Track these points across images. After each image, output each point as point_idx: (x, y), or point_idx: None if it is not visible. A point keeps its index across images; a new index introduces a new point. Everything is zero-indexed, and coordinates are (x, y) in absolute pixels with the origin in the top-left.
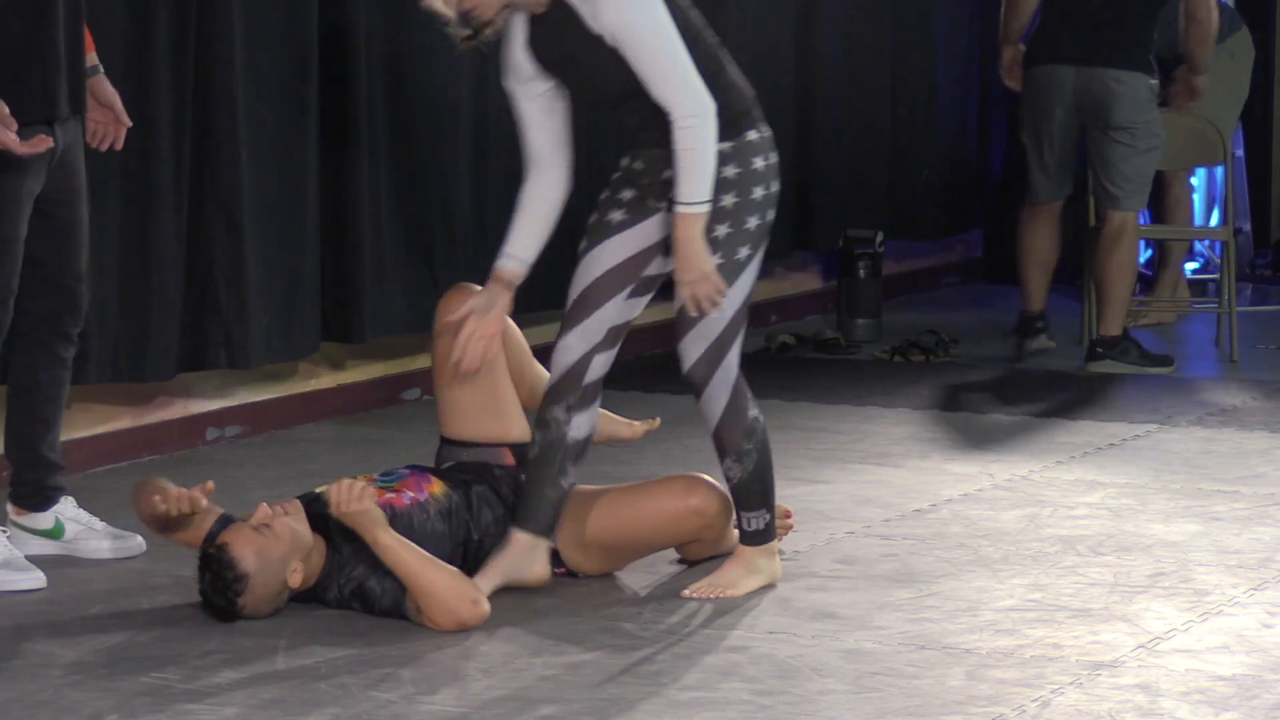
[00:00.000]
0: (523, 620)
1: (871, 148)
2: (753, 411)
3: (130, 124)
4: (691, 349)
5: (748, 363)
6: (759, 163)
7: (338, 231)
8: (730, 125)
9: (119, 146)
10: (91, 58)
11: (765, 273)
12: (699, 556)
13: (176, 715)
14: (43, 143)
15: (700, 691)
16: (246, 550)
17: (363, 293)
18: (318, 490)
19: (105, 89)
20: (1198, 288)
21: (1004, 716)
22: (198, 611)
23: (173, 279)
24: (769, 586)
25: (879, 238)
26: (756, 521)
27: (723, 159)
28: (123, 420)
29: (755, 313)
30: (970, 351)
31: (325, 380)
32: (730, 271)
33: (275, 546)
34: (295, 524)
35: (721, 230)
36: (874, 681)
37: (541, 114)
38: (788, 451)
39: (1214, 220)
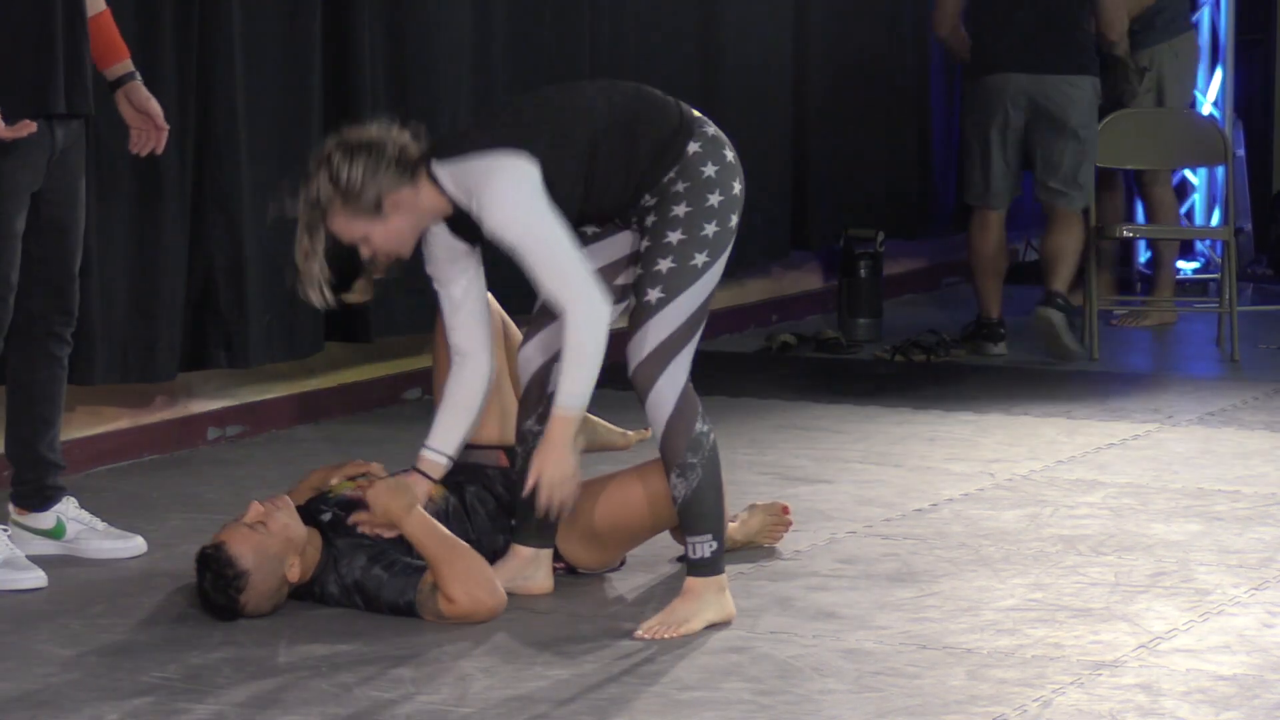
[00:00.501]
0: (524, 620)
1: (868, 146)
2: (702, 425)
3: (167, 128)
4: (638, 350)
5: (749, 363)
6: (708, 169)
7: None
8: (667, 151)
9: (159, 151)
10: (126, 65)
11: (765, 272)
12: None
13: (177, 714)
14: (25, 127)
15: (701, 691)
16: (244, 548)
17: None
18: (331, 494)
19: (140, 94)
20: (1198, 287)
21: (1005, 716)
22: (198, 610)
23: (174, 279)
24: (723, 624)
25: (880, 237)
26: (702, 548)
27: (671, 180)
28: (123, 420)
29: (757, 313)
30: (971, 351)
31: (326, 380)
32: (685, 276)
33: (272, 543)
34: (288, 519)
35: (674, 236)
36: (875, 681)
37: (465, 300)
38: (789, 451)
39: (1215, 220)
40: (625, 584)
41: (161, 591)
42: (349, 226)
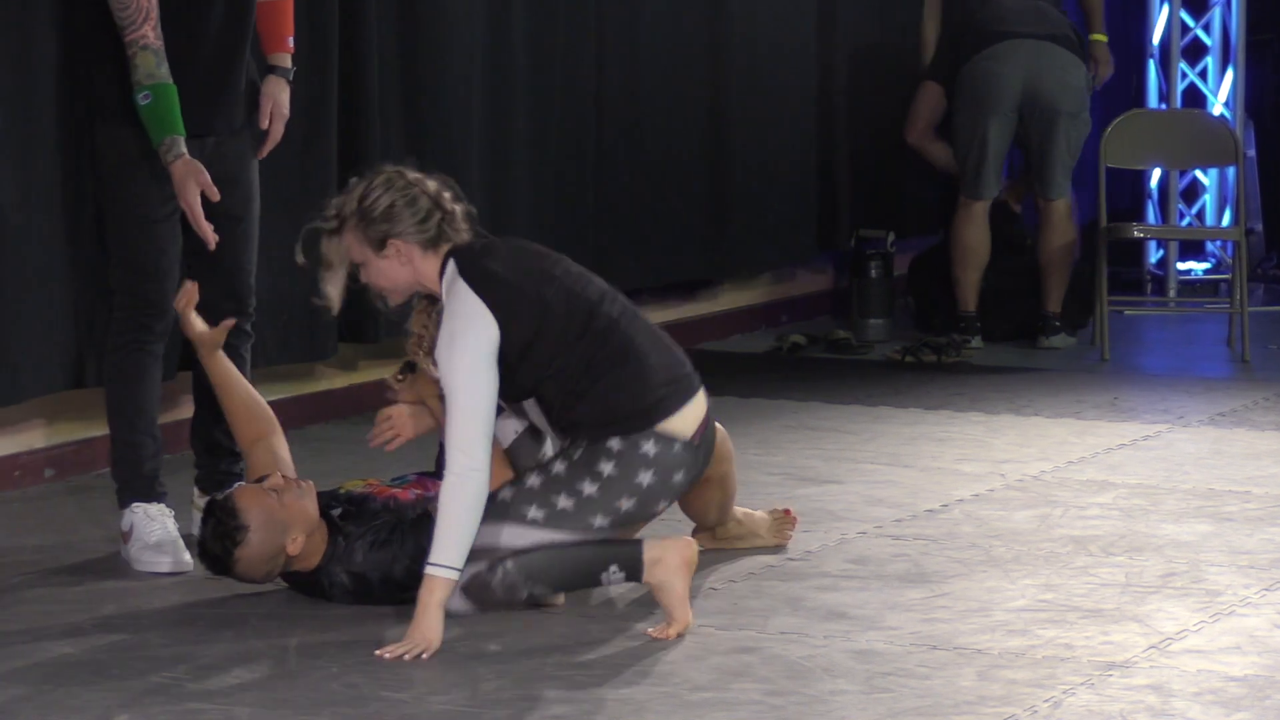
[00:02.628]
0: (535, 621)
1: (883, 147)
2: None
3: (280, 130)
4: (491, 537)
5: (759, 363)
6: (644, 477)
7: None
8: (616, 425)
9: (262, 154)
10: (283, 57)
11: (775, 273)
12: (727, 536)
13: (187, 714)
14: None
15: (711, 692)
16: (253, 505)
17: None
18: (341, 490)
19: (271, 84)
20: (1209, 288)
21: (1016, 717)
22: (209, 611)
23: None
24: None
25: (890, 238)
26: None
27: (608, 451)
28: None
29: (767, 313)
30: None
31: (337, 380)
32: (571, 524)
33: (281, 511)
34: (305, 499)
35: (589, 489)
36: (885, 682)
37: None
38: (799, 452)
39: (1226, 220)
40: (635, 586)
41: (172, 591)
42: (354, 246)
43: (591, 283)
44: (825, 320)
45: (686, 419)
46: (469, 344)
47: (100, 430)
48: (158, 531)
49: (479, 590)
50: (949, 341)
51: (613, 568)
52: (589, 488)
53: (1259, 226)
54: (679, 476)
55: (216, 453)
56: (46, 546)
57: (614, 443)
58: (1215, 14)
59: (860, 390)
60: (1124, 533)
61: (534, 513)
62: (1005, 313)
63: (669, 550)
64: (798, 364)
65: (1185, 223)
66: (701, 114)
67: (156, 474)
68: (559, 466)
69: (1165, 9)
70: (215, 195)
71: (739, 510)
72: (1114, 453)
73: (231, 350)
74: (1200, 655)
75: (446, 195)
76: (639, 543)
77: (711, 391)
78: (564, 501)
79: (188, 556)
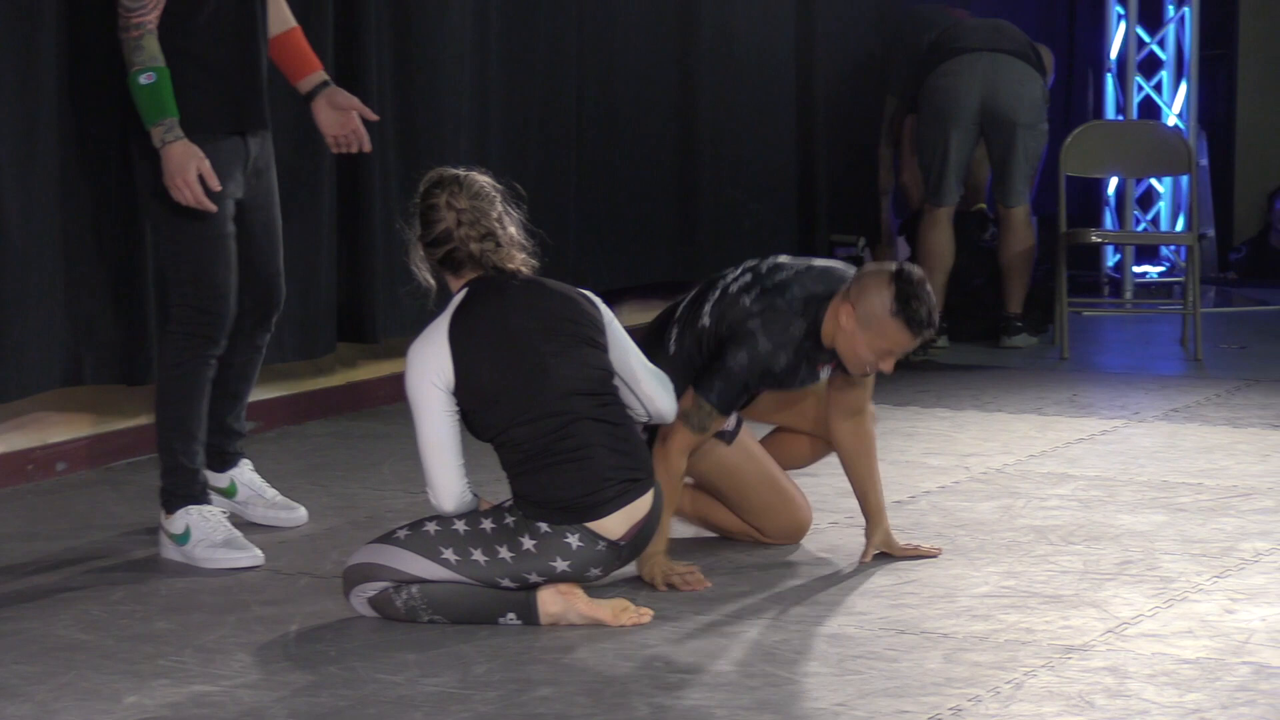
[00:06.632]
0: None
1: (857, 154)
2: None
3: (375, 117)
4: (359, 554)
5: None
6: (560, 564)
7: (352, 234)
8: (549, 513)
9: (367, 148)
10: (320, 74)
11: None
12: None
13: (192, 696)
14: (205, 206)
15: (689, 674)
16: None
17: (375, 294)
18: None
19: (342, 95)
20: (1164, 290)
21: (979, 698)
22: (212, 598)
23: None
24: None
25: (861, 243)
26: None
27: (534, 530)
28: (142, 416)
29: None
30: (947, 349)
31: (336, 378)
32: (482, 571)
33: None
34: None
35: (507, 554)
36: (855, 664)
37: None
38: None
39: (1179, 226)
40: (618, 574)
41: (179, 578)
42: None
43: (578, 365)
44: None
45: (619, 521)
46: (421, 375)
47: (111, 426)
48: (222, 530)
49: (383, 604)
50: None
51: (510, 614)
52: (505, 553)
53: (1211, 232)
54: (594, 571)
55: (225, 433)
56: (58, 536)
57: (543, 526)
58: (1170, 30)
59: None
60: (1082, 522)
61: (449, 555)
62: (970, 314)
63: (552, 588)
64: None
65: (1141, 228)
66: (679, 120)
67: (206, 479)
68: (488, 524)
69: (1122, 25)
70: (215, 182)
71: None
72: (1073, 446)
73: (255, 348)
74: (1155, 639)
75: (484, 230)
76: (533, 591)
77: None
78: (479, 556)
79: (257, 550)
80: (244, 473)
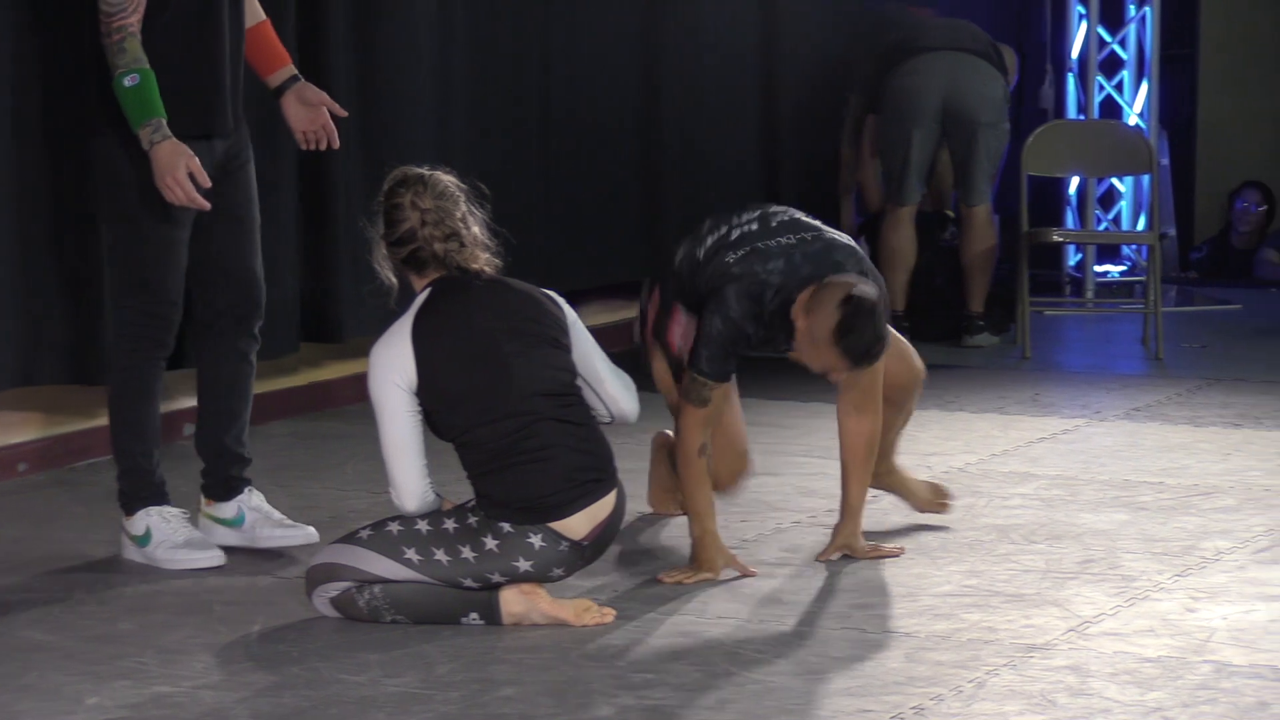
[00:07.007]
0: None
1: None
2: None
3: (345, 113)
4: (323, 555)
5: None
6: (522, 564)
7: (315, 232)
8: (512, 513)
9: (335, 145)
10: (289, 69)
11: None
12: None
13: (153, 697)
14: (199, 203)
15: (653, 673)
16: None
17: (339, 293)
18: None
19: (311, 90)
20: (1125, 289)
21: (941, 696)
22: (174, 599)
23: None
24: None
25: None
26: None
27: (497, 530)
28: (102, 418)
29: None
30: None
31: (299, 378)
32: (444, 571)
33: None
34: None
35: (469, 554)
36: (818, 664)
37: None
38: None
39: (1141, 225)
40: (581, 577)
41: (140, 580)
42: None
43: (541, 366)
44: None
45: (582, 521)
46: (384, 375)
47: (73, 427)
48: (183, 531)
49: (346, 604)
50: None
51: (473, 614)
52: (468, 553)
53: (1172, 231)
54: (557, 571)
55: (227, 459)
56: (20, 538)
57: (505, 526)
58: (1131, 30)
59: (794, 387)
60: (1044, 521)
61: (412, 555)
62: (933, 313)
63: (514, 588)
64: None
65: (1102, 228)
66: (644, 120)
67: (164, 479)
68: (450, 524)
69: (1084, 24)
70: (205, 180)
71: (899, 461)
72: (1035, 446)
73: (241, 357)
74: (1116, 637)
75: (448, 230)
76: (496, 591)
77: (652, 388)
78: (442, 556)
79: (219, 550)
80: (251, 498)
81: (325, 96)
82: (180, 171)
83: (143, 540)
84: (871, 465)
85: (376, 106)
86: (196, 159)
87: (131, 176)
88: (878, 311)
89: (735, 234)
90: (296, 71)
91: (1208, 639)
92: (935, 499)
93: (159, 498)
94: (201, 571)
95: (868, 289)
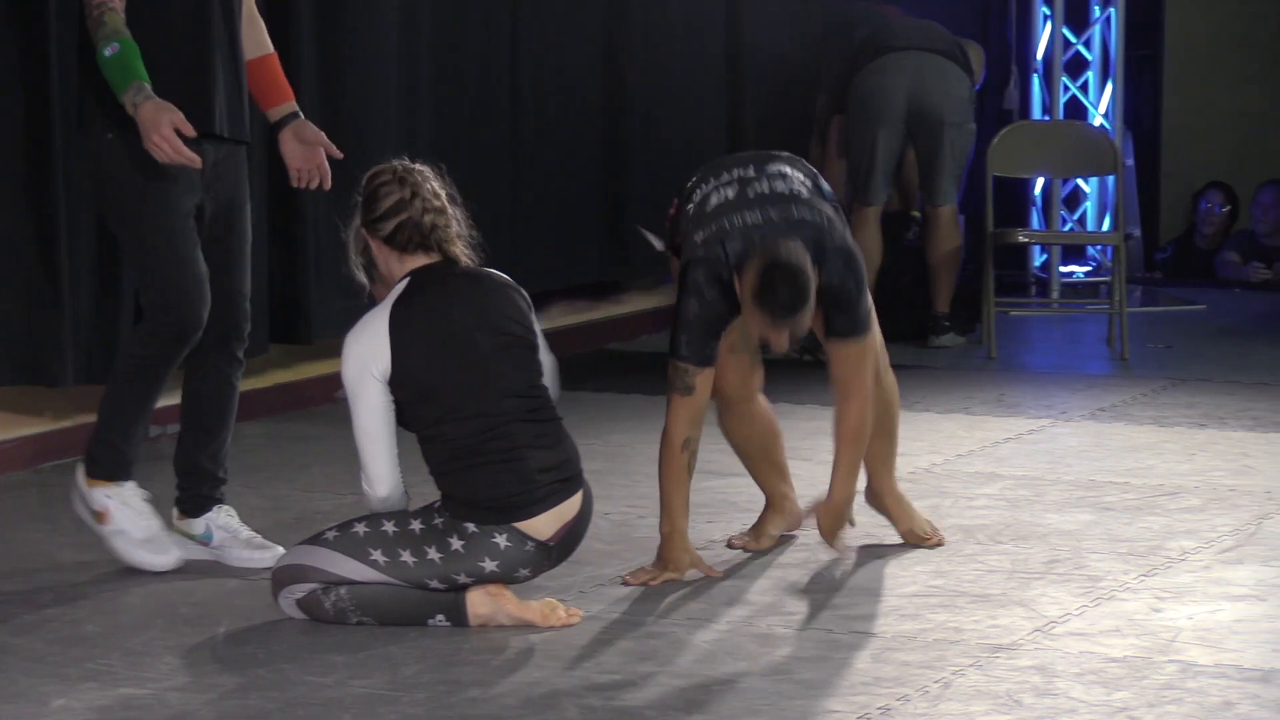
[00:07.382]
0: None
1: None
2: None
3: (340, 155)
4: (290, 557)
5: (664, 364)
6: (488, 564)
7: (285, 234)
8: (478, 513)
9: (327, 186)
10: (291, 105)
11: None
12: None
13: (120, 699)
14: (191, 159)
15: (620, 675)
16: None
17: (309, 295)
18: None
19: (309, 129)
20: (1090, 289)
21: (908, 697)
22: (141, 601)
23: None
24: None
25: None
26: None
27: (462, 530)
28: (66, 420)
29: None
30: None
31: (267, 379)
32: (410, 572)
33: None
34: None
35: (435, 555)
36: (784, 664)
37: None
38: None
39: (1106, 226)
40: (549, 574)
41: (107, 583)
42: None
43: (514, 367)
44: None
45: (548, 521)
46: (359, 364)
47: (36, 429)
48: (144, 527)
49: (312, 606)
50: None
51: (439, 616)
52: (434, 554)
53: (1137, 231)
54: (523, 572)
55: (199, 476)
56: None
57: (470, 526)
58: (1096, 30)
59: (781, 389)
60: (1010, 522)
61: (378, 556)
62: (898, 314)
63: (480, 589)
64: None
65: (1067, 228)
66: (608, 121)
67: (134, 460)
68: (416, 525)
69: (1048, 25)
70: (190, 130)
71: (900, 489)
72: (1001, 446)
73: (222, 378)
74: (1082, 637)
75: (435, 206)
76: (462, 593)
77: (619, 389)
78: (408, 557)
79: (178, 551)
80: (220, 516)
81: (323, 136)
82: (165, 127)
83: (98, 518)
84: (860, 448)
85: (341, 109)
86: (180, 113)
87: (132, 176)
88: (794, 270)
89: (714, 200)
90: (297, 108)
91: (1173, 639)
92: (919, 532)
93: (121, 475)
94: (165, 574)
95: (790, 252)
